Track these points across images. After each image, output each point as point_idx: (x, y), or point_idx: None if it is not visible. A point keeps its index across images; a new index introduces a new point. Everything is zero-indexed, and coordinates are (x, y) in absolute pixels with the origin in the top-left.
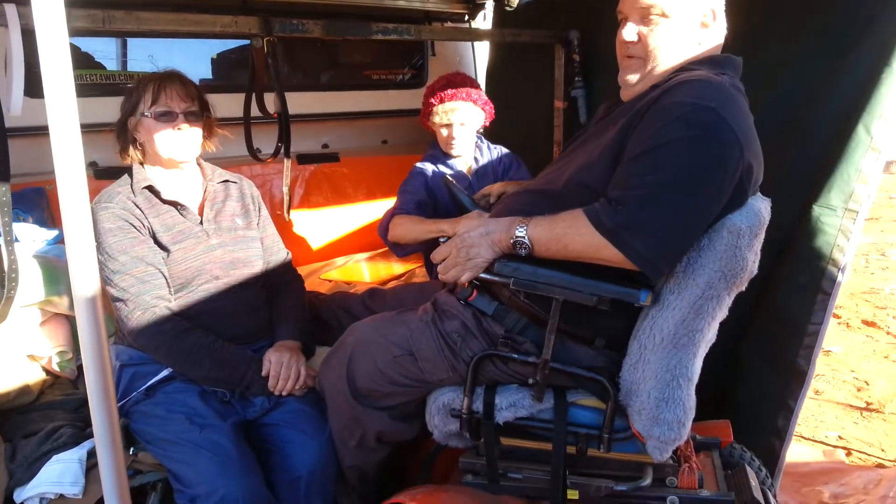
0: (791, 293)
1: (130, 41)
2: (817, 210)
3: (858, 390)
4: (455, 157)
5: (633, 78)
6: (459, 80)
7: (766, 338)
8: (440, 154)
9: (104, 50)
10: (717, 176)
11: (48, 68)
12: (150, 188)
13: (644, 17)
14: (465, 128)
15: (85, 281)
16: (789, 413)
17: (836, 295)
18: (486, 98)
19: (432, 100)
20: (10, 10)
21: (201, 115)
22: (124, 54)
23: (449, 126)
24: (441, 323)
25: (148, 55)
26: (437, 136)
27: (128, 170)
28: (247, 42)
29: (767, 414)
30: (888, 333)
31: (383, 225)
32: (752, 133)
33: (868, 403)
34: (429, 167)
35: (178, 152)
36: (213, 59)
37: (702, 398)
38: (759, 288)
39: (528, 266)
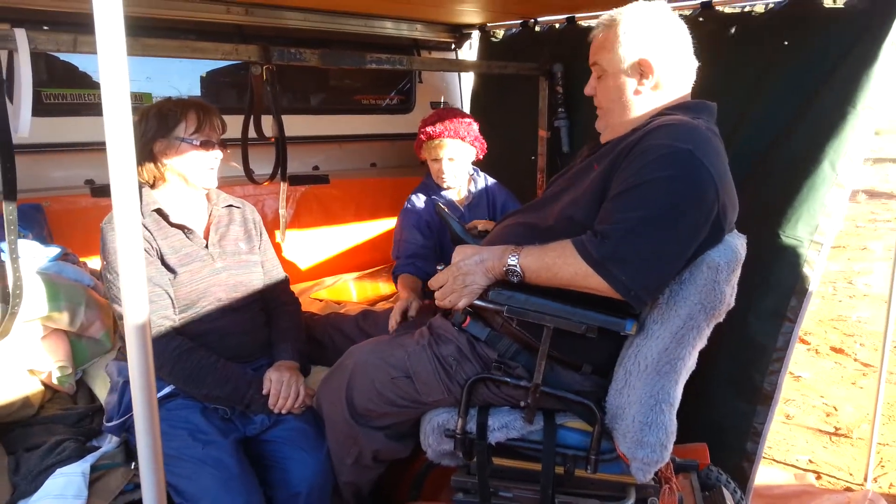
0: (758, 320)
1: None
2: (784, 241)
3: (827, 415)
4: (447, 189)
5: (600, 126)
6: (449, 117)
7: (735, 363)
8: (433, 184)
9: None
10: (694, 213)
11: (108, 97)
12: (159, 211)
13: (596, 73)
14: (454, 163)
15: (136, 313)
16: (757, 436)
17: (801, 322)
18: (477, 133)
19: (422, 136)
20: (20, 34)
21: (225, 144)
22: None
23: (438, 161)
24: (437, 347)
25: (146, 76)
26: (430, 169)
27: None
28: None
29: (737, 437)
30: (855, 360)
31: (395, 274)
32: (726, 174)
33: (837, 428)
34: (422, 198)
35: (210, 179)
36: (208, 81)
37: (680, 422)
38: (728, 314)
39: (521, 295)
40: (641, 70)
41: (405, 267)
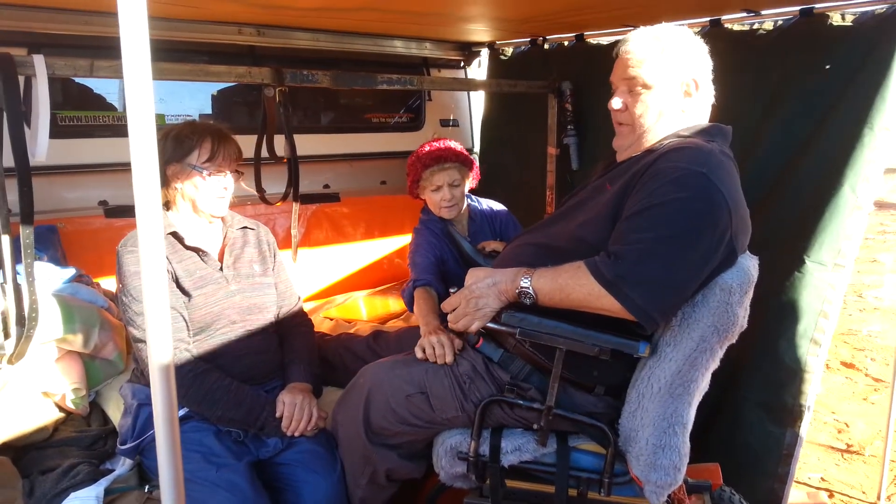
0: (787, 344)
1: None
2: (810, 266)
3: (839, 432)
4: (450, 219)
5: (623, 144)
6: (442, 143)
7: (765, 387)
8: (436, 219)
9: (116, 91)
10: (707, 235)
11: (134, 123)
12: (174, 234)
13: (630, 87)
14: (457, 188)
15: (159, 342)
16: (789, 458)
17: (828, 344)
18: (472, 157)
19: (419, 166)
20: (38, 61)
21: (241, 172)
22: None
23: (440, 189)
24: (453, 364)
25: (159, 98)
26: (429, 203)
27: None
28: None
29: (769, 459)
30: (866, 375)
31: (407, 295)
32: (739, 198)
33: (849, 445)
34: (427, 231)
35: (219, 209)
36: (219, 100)
37: (694, 442)
38: (756, 338)
39: (533, 317)
40: (687, 88)
41: (424, 277)
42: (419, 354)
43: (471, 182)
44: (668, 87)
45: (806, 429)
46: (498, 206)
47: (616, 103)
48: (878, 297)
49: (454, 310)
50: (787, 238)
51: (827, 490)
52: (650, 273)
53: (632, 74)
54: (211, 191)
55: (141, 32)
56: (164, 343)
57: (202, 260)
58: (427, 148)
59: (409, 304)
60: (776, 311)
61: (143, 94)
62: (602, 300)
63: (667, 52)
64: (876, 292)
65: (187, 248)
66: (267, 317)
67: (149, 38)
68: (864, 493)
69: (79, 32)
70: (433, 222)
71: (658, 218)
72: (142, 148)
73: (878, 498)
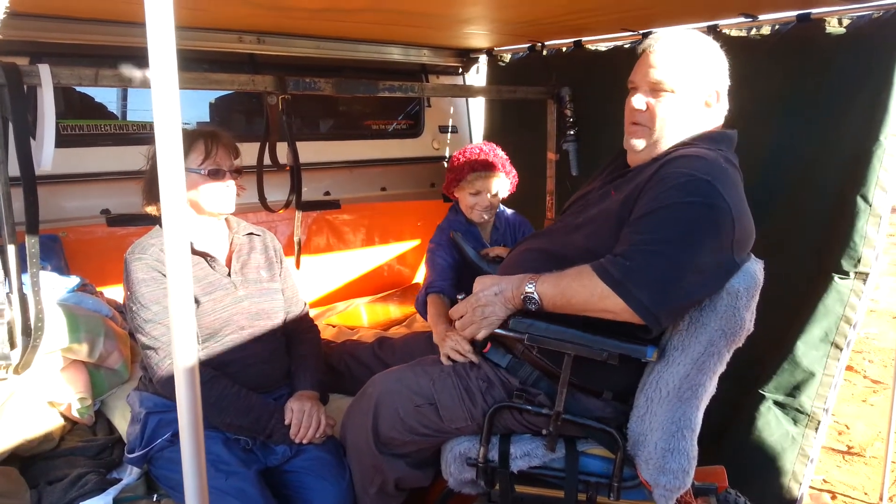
0: (809, 349)
1: (138, 92)
2: (832, 275)
3: (840, 434)
4: (478, 223)
5: (638, 144)
6: (494, 151)
7: (784, 388)
8: (463, 220)
9: (116, 101)
10: (712, 241)
11: (161, 130)
12: None
13: (653, 89)
14: (495, 198)
15: (184, 351)
16: (805, 458)
17: (850, 349)
18: (515, 170)
19: (467, 169)
20: (44, 70)
21: (240, 170)
22: (132, 104)
23: (479, 194)
24: (461, 373)
25: None
26: (462, 203)
27: (158, 221)
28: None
29: (784, 459)
30: (865, 377)
31: (420, 301)
32: (743, 207)
33: (849, 447)
34: (451, 231)
35: (224, 206)
36: (218, 108)
37: (709, 442)
38: (778, 340)
39: (541, 323)
40: (708, 98)
41: (438, 284)
42: (446, 362)
43: (505, 193)
44: (693, 95)
45: (824, 431)
46: (520, 216)
47: (638, 103)
48: (874, 300)
49: (461, 317)
50: (810, 245)
51: (829, 492)
52: (657, 273)
53: (657, 77)
54: (213, 190)
55: (168, 41)
56: (189, 351)
57: (210, 265)
58: (478, 151)
59: (422, 308)
60: (797, 314)
61: (169, 101)
62: (606, 301)
63: (696, 60)
64: (872, 294)
65: (196, 253)
66: (275, 322)
67: (138, 44)
68: (866, 494)
69: (81, 41)
70: (459, 223)
71: (663, 220)
72: (168, 154)
73: (881, 499)
